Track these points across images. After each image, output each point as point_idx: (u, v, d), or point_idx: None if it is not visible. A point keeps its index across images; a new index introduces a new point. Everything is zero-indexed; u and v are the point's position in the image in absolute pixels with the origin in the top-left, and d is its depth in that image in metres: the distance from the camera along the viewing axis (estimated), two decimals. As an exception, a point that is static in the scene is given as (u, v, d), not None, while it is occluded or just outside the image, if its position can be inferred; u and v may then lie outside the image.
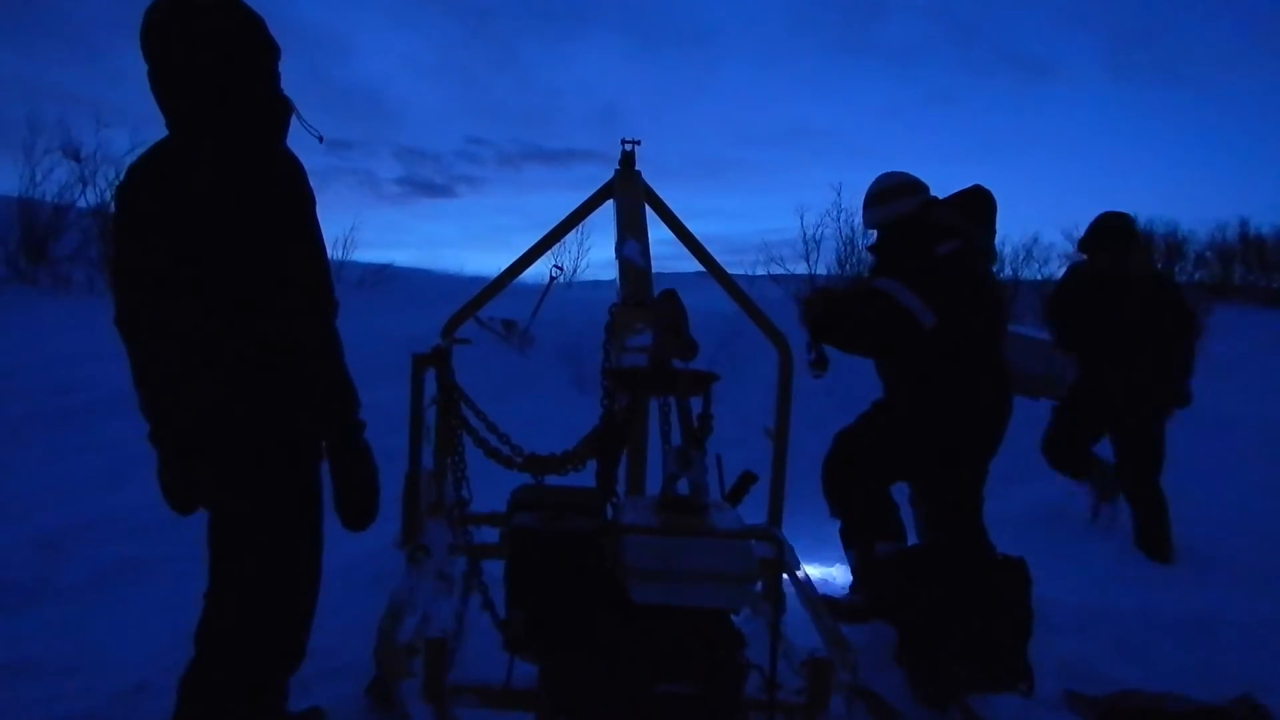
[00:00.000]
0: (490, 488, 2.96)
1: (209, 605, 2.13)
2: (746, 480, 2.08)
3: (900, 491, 3.59)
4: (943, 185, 3.55)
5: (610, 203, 3.57)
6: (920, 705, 2.81)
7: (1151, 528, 4.74)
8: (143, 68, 1.96)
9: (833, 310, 3.44)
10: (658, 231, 3.36)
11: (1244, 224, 26.71)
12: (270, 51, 2.01)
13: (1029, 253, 18.87)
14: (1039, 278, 18.49)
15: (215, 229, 1.87)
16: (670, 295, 2.17)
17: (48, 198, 12.47)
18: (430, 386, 3.14)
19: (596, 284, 17.29)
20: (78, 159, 12.35)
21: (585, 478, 2.27)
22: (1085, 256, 4.92)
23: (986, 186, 3.54)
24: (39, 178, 12.36)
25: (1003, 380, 3.45)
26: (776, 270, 16.62)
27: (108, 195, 12.30)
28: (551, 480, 2.72)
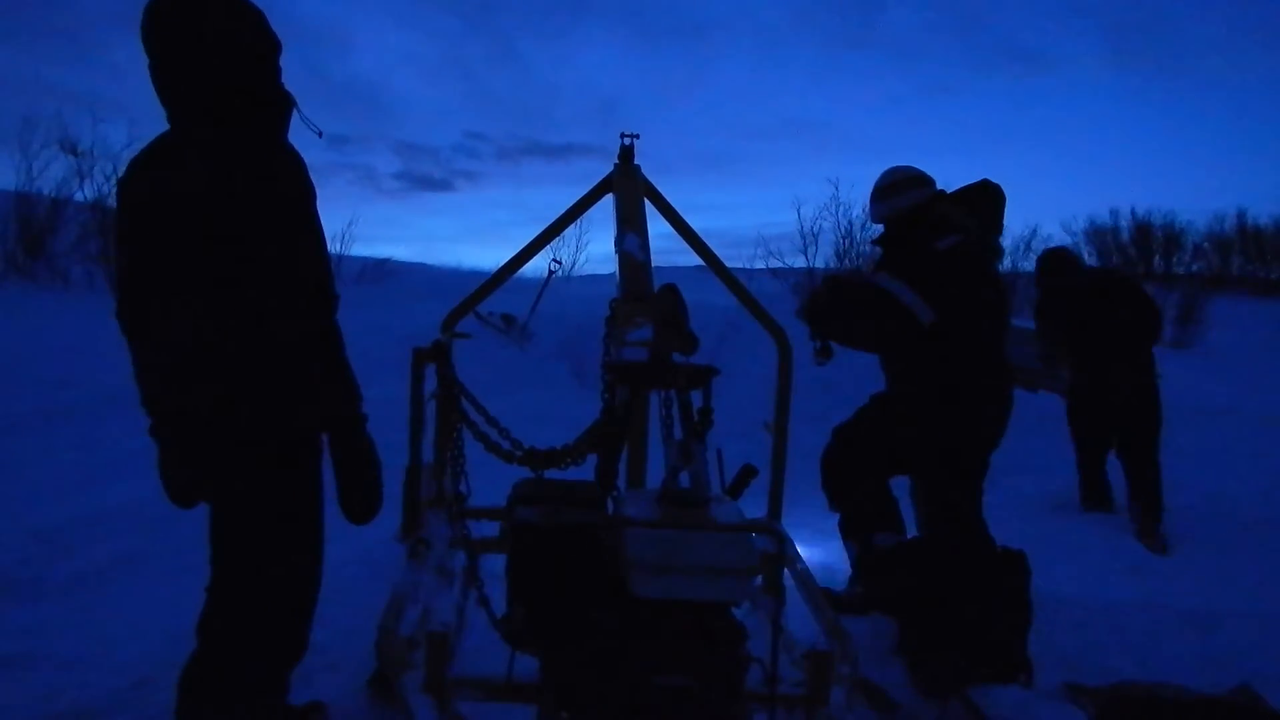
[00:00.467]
0: (490, 482, 2.96)
1: (210, 599, 2.13)
2: (747, 474, 2.09)
3: (900, 485, 3.59)
4: (941, 177, 3.54)
5: (609, 197, 3.57)
6: (920, 697, 2.82)
7: (1149, 512, 5.11)
8: (143, 61, 1.96)
9: (833, 304, 3.44)
10: (655, 226, 3.36)
11: (1242, 215, 26.75)
12: (272, 46, 2.01)
13: (1028, 245, 18.83)
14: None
15: (216, 223, 1.87)
16: (670, 290, 2.17)
17: (45, 192, 12.47)
18: (430, 381, 3.14)
19: (595, 278, 17.29)
20: (75, 153, 12.35)
21: (585, 472, 2.27)
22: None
23: (994, 181, 3.53)
24: (36, 172, 12.36)
25: (1004, 375, 3.45)
26: (775, 264, 16.62)
27: (105, 190, 12.31)
28: (551, 474, 2.72)
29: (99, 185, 12.45)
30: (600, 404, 2.47)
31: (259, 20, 1.99)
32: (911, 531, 3.58)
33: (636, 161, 3.61)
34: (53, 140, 12.29)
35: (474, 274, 14.97)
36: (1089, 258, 24.48)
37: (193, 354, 1.92)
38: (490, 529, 3.41)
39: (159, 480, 2.12)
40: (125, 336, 2.05)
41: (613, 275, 3.01)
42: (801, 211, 17.80)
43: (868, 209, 3.78)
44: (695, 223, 3.69)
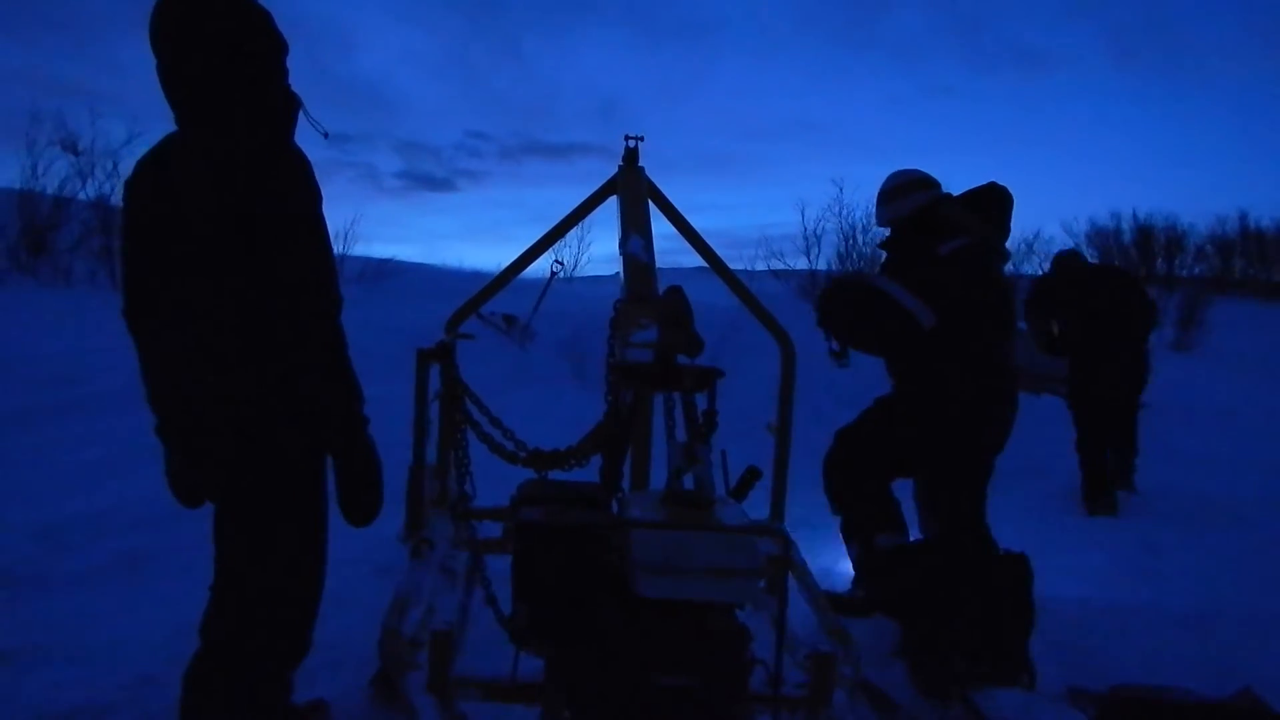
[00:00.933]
0: (493, 482, 2.97)
1: (214, 597, 2.13)
2: (751, 476, 2.09)
3: (902, 487, 3.59)
4: (944, 178, 3.54)
5: (611, 197, 3.58)
6: (922, 699, 2.82)
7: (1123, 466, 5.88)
8: (148, 61, 1.96)
9: (838, 305, 3.44)
10: (657, 226, 3.37)
11: (1244, 217, 26.71)
12: (279, 46, 2.01)
13: (1030, 247, 18.83)
14: (1040, 272, 18.49)
15: (222, 225, 1.87)
16: (676, 291, 2.18)
17: (48, 190, 12.48)
18: (434, 381, 3.15)
19: (597, 279, 17.30)
20: (76, 151, 12.36)
21: (589, 473, 2.28)
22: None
23: (1001, 183, 3.53)
24: (40, 170, 12.37)
25: (1008, 377, 3.44)
26: (777, 265, 16.63)
27: (108, 188, 12.32)
28: (555, 475, 2.73)
29: (101, 183, 12.49)
30: (604, 405, 2.48)
31: (266, 21, 1.99)
32: (914, 534, 3.58)
33: (640, 163, 3.62)
34: (54, 139, 12.31)
35: (475, 274, 14.98)
36: (1090, 260, 24.47)
37: (198, 354, 1.92)
38: (493, 530, 3.41)
39: (164, 478, 2.13)
40: (132, 335, 2.06)
41: (614, 276, 3.02)
42: (804, 212, 17.79)
43: (873, 212, 3.78)
44: (697, 223, 3.70)
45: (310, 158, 2.02)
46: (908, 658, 3.00)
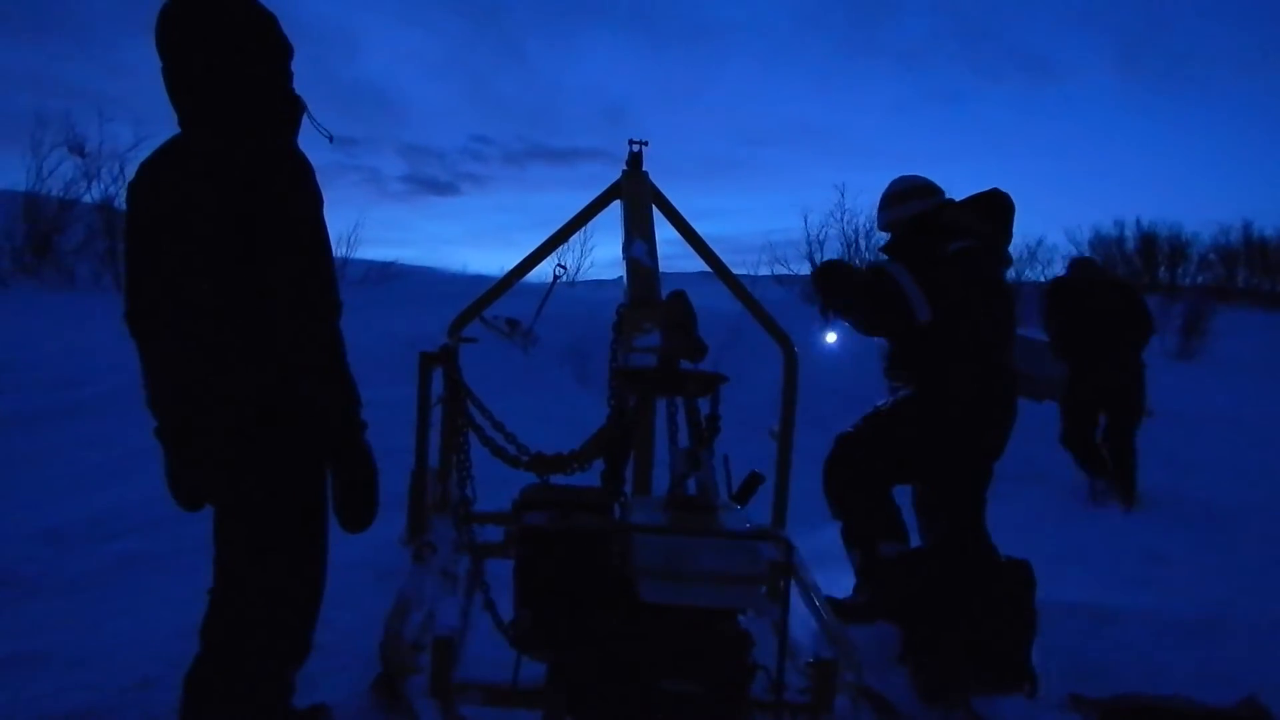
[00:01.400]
0: (495, 486, 2.97)
1: (214, 601, 2.13)
2: (754, 481, 2.09)
3: (902, 494, 3.59)
4: (948, 184, 3.55)
5: (614, 202, 3.58)
6: (924, 706, 2.81)
7: (1125, 477, 5.96)
8: (153, 63, 1.96)
9: (843, 272, 3.46)
10: (660, 231, 3.37)
11: (1247, 226, 26.73)
12: (283, 50, 2.02)
13: (1033, 254, 18.84)
14: (1042, 279, 18.49)
15: (223, 229, 1.87)
16: (680, 296, 2.18)
17: (53, 192, 12.51)
18: (437, 385, 3.15)
19: (600, 284, 17.30)
20: (82, 154, 12.39)
21: (591, 477, 2.27)
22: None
23: (1004, 190, 3.53)
24: (45, 172, 12.40)
25: (1009, 383, 3.44)
26: (780, 271, 16.64)
27: (113, 190, 12.35)
28: (556, 480, 2.72)
29: (106, 186, 12.51)
30: (607, 409, 2.48)
31: (271, 25, 2.00)
32: (914, 540, 3.57)
33: (644, 167, 3.62)
34: (61, 141, 12.34)
35: (479, 278, 14.99)
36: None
37: (197, 356, 1.93)
38: (495, 534, 3.41)
39: (165, 481, 2.13)
40: (133, 338, 2.06)
41: (617, 280, 3.02)
42: (808, 219, 17.83)
43: (875, 217, 3.79)
44: (700, 228, 3.70)
45: (315, 161, 2.02)
46: (910, 664, 2.99)
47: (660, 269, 3.02)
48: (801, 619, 2.83)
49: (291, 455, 2.04)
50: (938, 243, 3.34)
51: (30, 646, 2.88)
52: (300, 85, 2.07)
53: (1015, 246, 4.11)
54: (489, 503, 3.05)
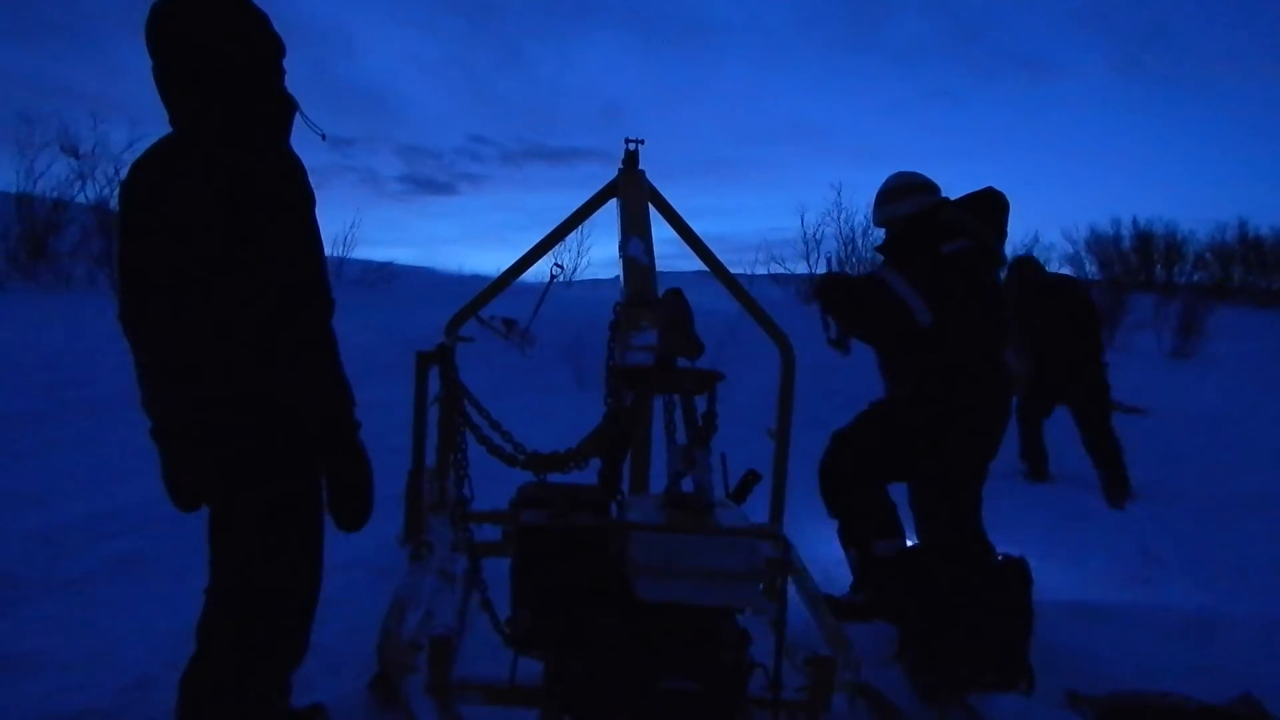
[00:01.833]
0: (492, 485, 2.97)
1: (210, 601, 2.13)
2: (751, 479, 2.09)
3: (899, 491, 3.59)
4: (945, 183, 3.55)
5: (611, 201, 3.58)
6: (921, 703, 2.82)
7: (1113, 475, 5.92)
8: (145, 63, 1.95)
9: (842, 287, 3.45)
10: (657, 230, 3.37)
11: (1243, 225, 26.82)
12: (275, 48, 2.01)
13: (1029, 253, 18.84)
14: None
15: (215, 227, 1.87)
16: (676, 294, 2.18)
17: (47, 194, 12.49)
18: (433, 384, 3.15)
19: (597, 283, 17.31)
20: (76, 155, 12.36)
21: (588, 475, 2.27)
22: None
23: (998, 188, 3.53)
24: (38, 174, 12.37)
25: (1003, 382, 3.45)
26: (777, 270, 16.65)
27: (106, 191, 12.33)
28: (554, 478, 2.72)
29: (100, 187, 12.49)
30: (603, 408, 2.47)
31: (263, 23, 1.99)
32: (910, 538, 3.58)
33: (640, 166, 3.62)
34: (53, 141, 12.32)
35: (475, 278, 15.00)
36: (1090, 266, 24.64)
37: (190, 356, 1.92)
38: (493, 533, 3.41)
39: (161, 482, 2.13)
40: (127, 338, 2.05)
41: (614, 280, 3.02)
42: (805, 218, 17.86)
43: (871, 215, 3.79)
44: (697, 227, 3.70)
45: (310, 161, 2.02)
46: (907, 662, 3.00)
47: (658, 268, 3.02)
48: (799, 617, 2.83)
49: (286, 455, 2.03)
50: (933, 241, 3.34)
51: (27, 647, 2.87)
52: (296, 85, 2.07)
53: (1011, 245, 4.11)
54: (486, 502, 3.04)
